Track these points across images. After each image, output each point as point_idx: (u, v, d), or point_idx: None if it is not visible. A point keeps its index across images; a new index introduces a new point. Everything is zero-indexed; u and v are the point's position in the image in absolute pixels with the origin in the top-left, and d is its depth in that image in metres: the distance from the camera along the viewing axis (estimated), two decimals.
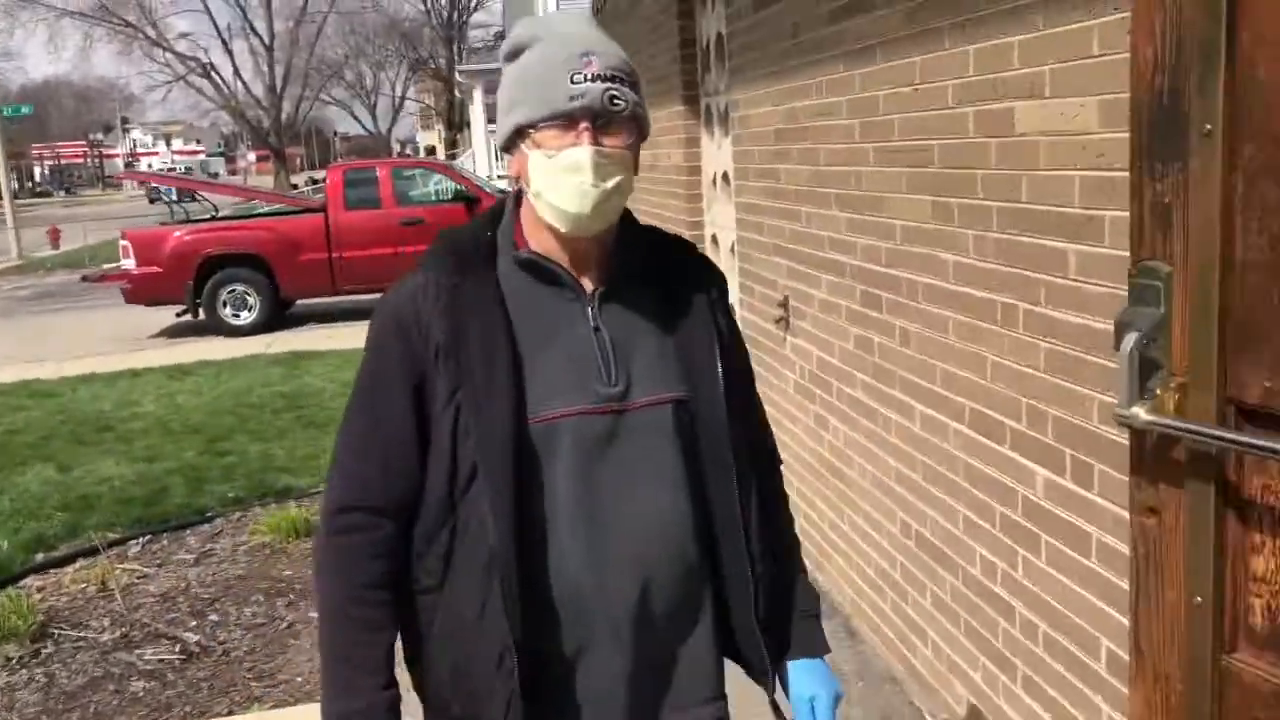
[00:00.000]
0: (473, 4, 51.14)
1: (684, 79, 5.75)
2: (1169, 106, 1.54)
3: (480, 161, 27.53)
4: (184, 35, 50.36)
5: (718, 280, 1.64)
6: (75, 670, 3.89)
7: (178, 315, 12.33)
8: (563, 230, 1.47)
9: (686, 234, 5.79)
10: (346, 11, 53.16)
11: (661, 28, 6.10)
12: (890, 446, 3.31)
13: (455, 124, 51.95)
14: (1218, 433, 1.50)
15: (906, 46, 2.93)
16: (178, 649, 4.00)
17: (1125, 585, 1.90)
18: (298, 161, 70.79)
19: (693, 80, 5.75)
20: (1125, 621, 1.88)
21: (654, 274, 1.57)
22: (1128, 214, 1.70)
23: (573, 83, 1.40)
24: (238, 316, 12.09)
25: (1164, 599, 1.64)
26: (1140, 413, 1.56)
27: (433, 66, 53.83)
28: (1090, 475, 2.22)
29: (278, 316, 12.28)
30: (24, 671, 3.91)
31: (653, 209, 6.64)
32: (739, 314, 5.05)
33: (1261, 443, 1.43)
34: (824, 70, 3.56)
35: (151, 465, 6.46)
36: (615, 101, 1.41)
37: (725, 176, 5.29)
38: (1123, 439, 1.84)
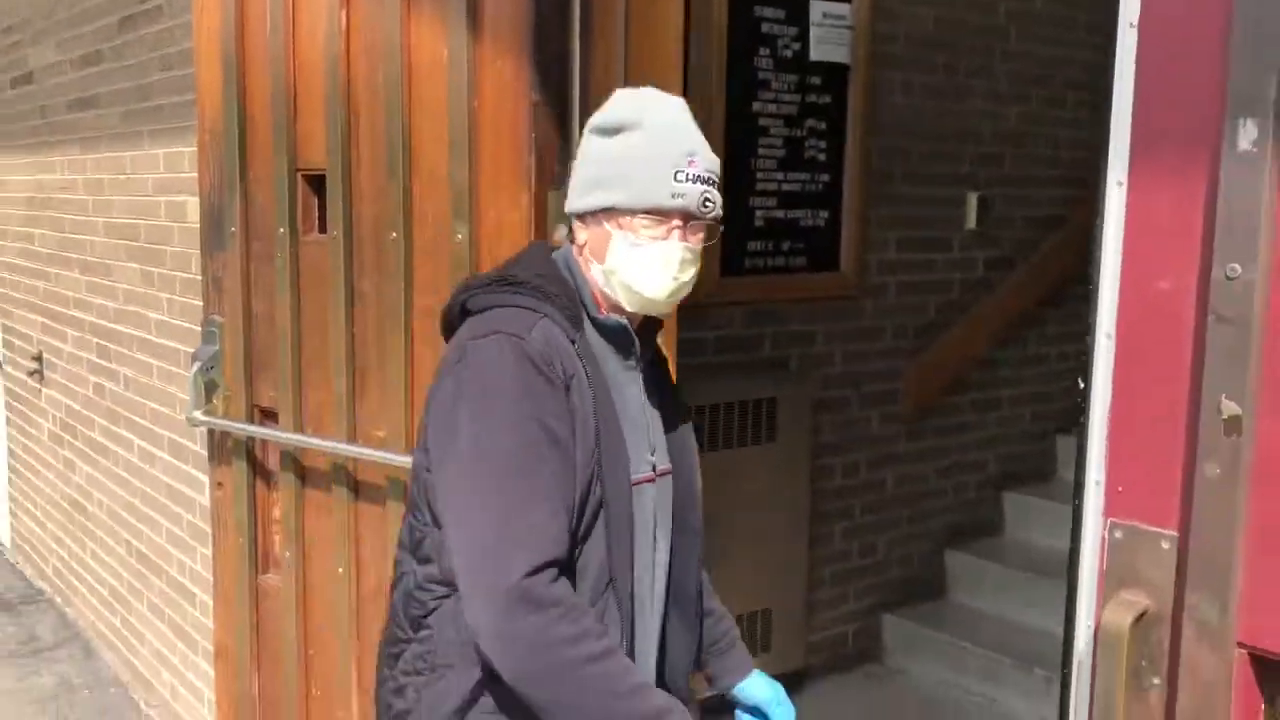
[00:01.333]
0: None
1: None
2: (216, 213, 2.35)
3: None
4: None
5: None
6: None
7: None
8: (627, 308, 1.51)
9: None
10: None
11: None
12: (119, 478, 3.83)
13: None
14: (245, 427, 2.31)
15: (122, 143, 3.55)
16: None
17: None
18: None
19: None
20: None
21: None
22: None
23: (676, 181, 1.44)
24: None
25: (227, 543, 2.42)
26: (199, 415, 2.32)
27: None
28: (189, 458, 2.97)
29: None
30: None
31: None
32: (4, 369, 5.22)
33: (265, 431, 2.26)
34: (66, 151, 4.04)
35: None
36: (707, 204, 1.46)
37: None
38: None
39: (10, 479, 5.12)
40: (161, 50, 3.24)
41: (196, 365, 2.34)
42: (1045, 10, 4.02)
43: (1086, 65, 4.05)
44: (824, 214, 3.40)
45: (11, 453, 5.08)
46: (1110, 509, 1.21)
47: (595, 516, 1.44)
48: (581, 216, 1.51)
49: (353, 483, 2.14)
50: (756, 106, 3.21)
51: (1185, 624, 1.14)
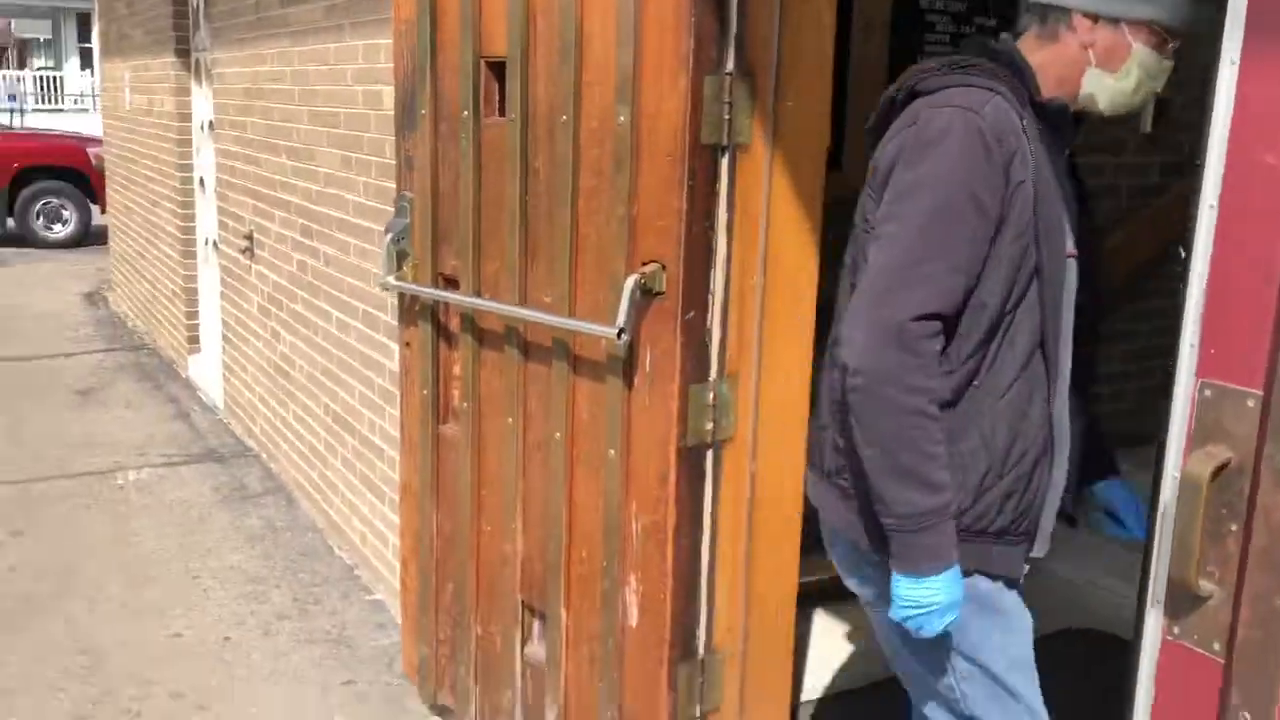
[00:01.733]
0: None
1: (176, 34, 6.26)
2: (408, 97, 2.58)
3: None
4: None
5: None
6: None
7: None
8: (1099, 108, 1.66)
9: (178, 176, 6.36)
10: None
11: None
12: (318, 346, 4.23)
13: None
14: (430, 291, 2.57)
15: (326, 35, 3.85)
16: None
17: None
18: None
19: (185, 36, 6.28)
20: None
21: None
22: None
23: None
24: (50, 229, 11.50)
25: (413, 395, 2.71)
26: (391, 280, 2.60)
27: None
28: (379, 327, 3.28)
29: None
30: None
31: (147, 151, 7.06)
32: (220, 247, 5.74)
33: (450, 296, 2.52)
34: (276, 44, 4.39)
35: None
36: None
37: (210, 124, 5.92)
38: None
39: (223, 347, 5.66)
40: None
41: (389, 236, 2.61)
42: None
43: None
44: None
45: (224, 324, 5.61)
46: (1202, 369, 1.30)
47: (1029, 282, 1.56)
48: (1101, 19, 1.59)
49: (522, 344, 2.38)
50: (924, 2, 3.23)
51: (1263, 473, 1.23)
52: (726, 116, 2.05)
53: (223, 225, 5.52)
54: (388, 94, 3.38)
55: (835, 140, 3.25)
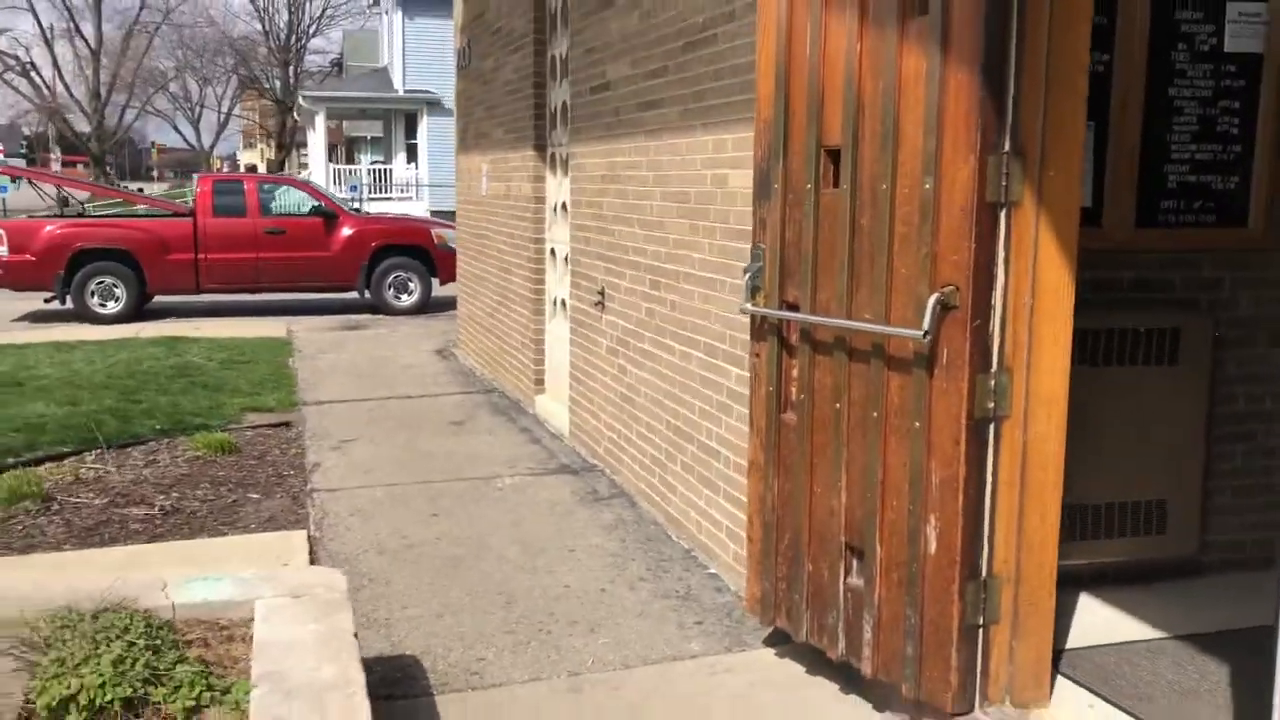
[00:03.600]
0: (312, 30, 51.83)
1: (535, 132, 7.72)
2: (763, 175, 3.59)
3: (319, 181, 28.73)
4: (3, 31, 49.15)
5: None
6: (85, 517, 5.45)
7: (45, 301, 13.41)
8: None
9: (532, 248, 7.76)
10: (179, 24, 52.82)
11: (519, 93, 8.06)
12: (662, 375, 5.31)
13: (285, 145, 52.28)
14: (779, 313, 3.54)
15: (679, 133, 4.97)
16: (156, 509, 5.60)
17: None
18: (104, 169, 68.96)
19: (542, 133, 7.72)
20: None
21: None
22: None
23: None
24: (104, 306, 13.26)
25: (760, 391, 3.67)
26: (749, 306, 3.59)
27: (265, 87, 54.03)
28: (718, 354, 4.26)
29: (139, 310, 13.51)
30: (43, 518, 5.43)
31: (502, 229, 8.56)
32: (570, 304, 7.01)
33: (794, 315, 3.48)
34: (633, 140, 5.58)
35: (77, 407, 7.86)
36: None
37: (564, 205, 7.27)
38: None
39: (571, 385, 6.90)
40: (714, 65, 4.59)
41: (747, 275, 3.61)
42: None
43: None
44: (1235, 179, 4.05)
45: (573, 365, 6.85)
46: None
47: None
48: None
49: (848, 349, 3.29)
50: (1172, 91, 3.95)
51: None
52: (1004, 183, 2.91)
53: (575, 285, 6.78)
54: (732, 176, 4.43)
55: (1097, 200, 4.01)
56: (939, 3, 2.92)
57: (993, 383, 3.00)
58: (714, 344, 4.66)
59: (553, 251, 7.70)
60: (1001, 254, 2.97)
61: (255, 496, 5.87)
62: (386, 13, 33.10)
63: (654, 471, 5.46)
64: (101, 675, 2.50)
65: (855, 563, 3.38)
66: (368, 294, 13.96)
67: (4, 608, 2.88)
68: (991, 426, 3.03)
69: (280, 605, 3.13)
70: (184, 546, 5.02)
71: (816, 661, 3.64)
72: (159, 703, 2.51)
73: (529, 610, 4.27)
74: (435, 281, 14.16)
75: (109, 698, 2.47)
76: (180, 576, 3.33)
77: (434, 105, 30.50)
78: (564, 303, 7.46)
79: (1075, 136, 2.97)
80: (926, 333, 2.94)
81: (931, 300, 2.94)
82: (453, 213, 11.39)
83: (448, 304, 14.68)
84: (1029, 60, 2.89)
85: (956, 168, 2.92)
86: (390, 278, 13.94)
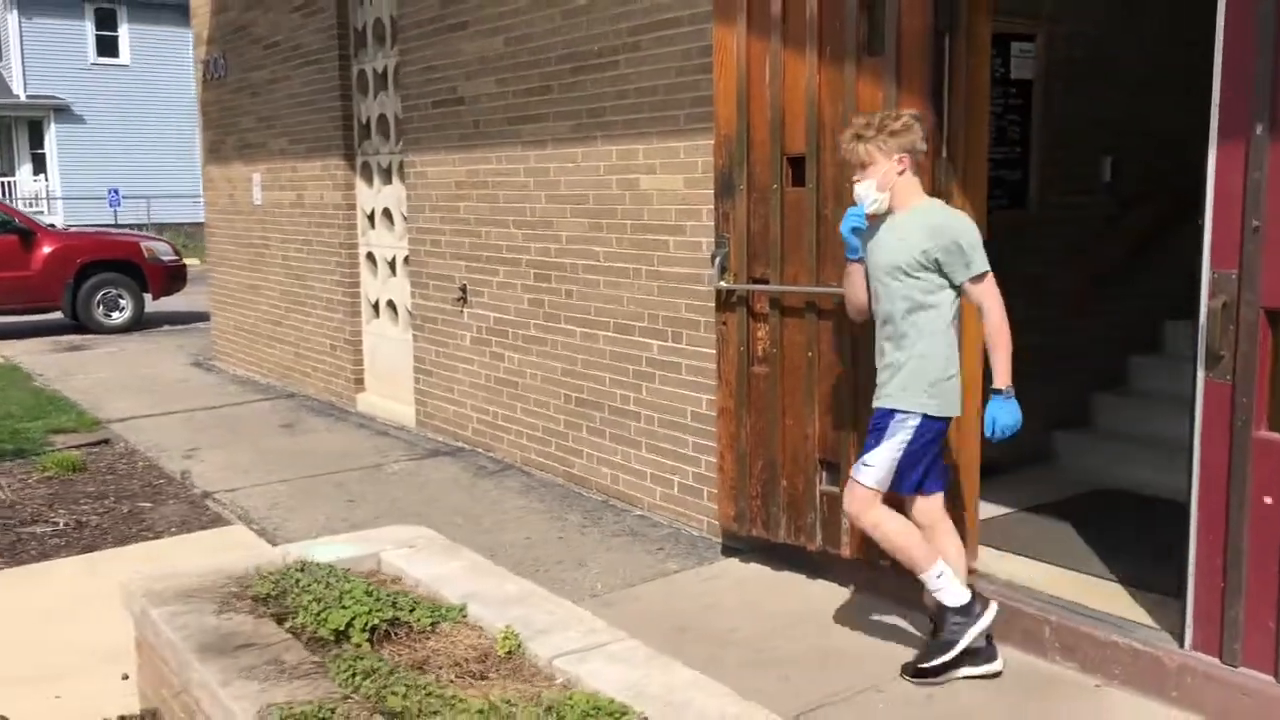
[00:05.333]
0: None
1: (344, 142, 8.07)
2: (728, 177, 4.51)
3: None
4: None
5: None
6: None
7: None
8: None
9: (342, 254, 8.12)
10: None
11: (314, 105, 8.34)
12: (558, 355, 6.05)
13: None
14: (748, 286, 4.48)
15: (571, 144, 5.74)
16: (61, 525, 5.55)
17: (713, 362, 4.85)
18: None
19: (351, 143, 8.09)
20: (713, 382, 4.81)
21: None
22: (700, 223, 4.66)
23: None
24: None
25: (729, 353, 4.59)
26: (722, 284, 4.50)
27: None
28: (634, 331, 5.17)
29: None
30: None
31: (300, 236, 8.79)
32: (412, 302, 7.49)
33: (764, 287, 4.43)
34: (505, 149, 6.26)
35: None
36: None
37: (386, 212, 7.72)
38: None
39: (417, 379, 7.38)
40: (618, 87, 5.41)
41: (715, 259, 4.51)
42: (1149, 27, 6.03)
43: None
44: (1017, 172, 5.49)
45: (419, 360, 7.34)
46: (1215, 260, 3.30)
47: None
48: None
49: (817, 310, 4.29)
50: None
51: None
52: (942, 178, 4.04)
53: (422, 286, 7.28)
54: (645, 179, 5.29)
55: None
56: (892, 45, 3.99)
57: None
58: (628, 323, 5.49)
59: (370, 256, 8.09)
60: None
61: (146, 505, 5.93)
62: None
63: (548, 442, 6.19)
64: (363, 604, 2.99)
65: (826, 475, 4.39)
66: (75, 314, 13.17)
67: (213, 577, 3.23)
68: None
69: (406, 554, 3.65)
70: (139, 549, 5.12)
71: (777, 561, 4.64)
72: (409, 622, 3.03)
73: (518, 558, 4.90)
74: (147, 297, 13.61)
75: (377, 620, 2.96)
76: (294, 546, 3.74)
77: (63, 111, 28.11)
78: (392, 304, 7.90)
79: (982, 144, 4.15)
80: None
81: None
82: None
83: (161, 320, 14.16)
84: (956, 87, 4.02)
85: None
86: (99, 295, 13.24)
